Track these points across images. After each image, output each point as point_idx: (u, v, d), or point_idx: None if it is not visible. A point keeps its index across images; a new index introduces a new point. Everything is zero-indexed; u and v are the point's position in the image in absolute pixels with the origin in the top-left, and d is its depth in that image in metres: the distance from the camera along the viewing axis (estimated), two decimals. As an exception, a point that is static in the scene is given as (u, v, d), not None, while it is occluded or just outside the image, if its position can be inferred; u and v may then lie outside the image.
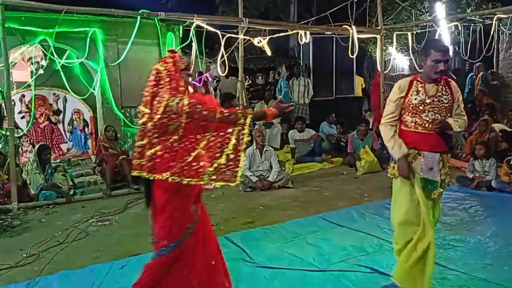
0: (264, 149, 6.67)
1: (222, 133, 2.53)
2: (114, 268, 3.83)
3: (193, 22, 6.89)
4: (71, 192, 6.30)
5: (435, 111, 2.98)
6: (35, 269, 3.85)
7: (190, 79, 2.81)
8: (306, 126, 8.76)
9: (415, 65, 9.19)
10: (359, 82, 12.92)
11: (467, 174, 6.45)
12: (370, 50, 12.33)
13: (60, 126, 7.68)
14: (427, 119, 2.98)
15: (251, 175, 6.42)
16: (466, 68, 11.13)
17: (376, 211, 5.29)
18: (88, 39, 6.71)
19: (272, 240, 4.43)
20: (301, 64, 11.33)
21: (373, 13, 9.76)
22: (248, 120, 2.52)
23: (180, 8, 7.44)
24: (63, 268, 3.84)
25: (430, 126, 2.97)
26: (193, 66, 7.13)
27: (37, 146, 6.35)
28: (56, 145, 7.62)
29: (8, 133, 5.74)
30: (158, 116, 2.51)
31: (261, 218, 5.15)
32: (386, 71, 10.02)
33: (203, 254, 2.74)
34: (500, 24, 9.21)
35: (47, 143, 7.17)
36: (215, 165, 2.50)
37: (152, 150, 2.54)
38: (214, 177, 2.49)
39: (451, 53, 3.16)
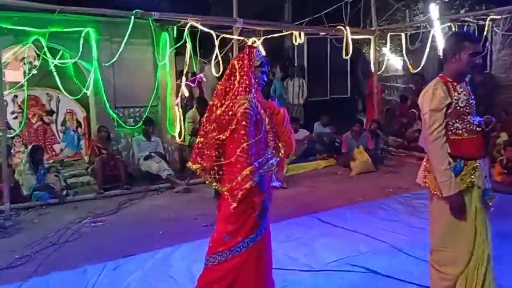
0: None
1: (240, 162, 2.54)
2: (107, 269, 3.81)
3: (187, 23, 6.87)
4: (64, 192, 6.25)
5: (474, 112, 2.71)
6: (27, 270, 3.83)
7: (264, 76, 2.80)
8: (300, 126, 8.76)
9: (408, 66, 9.22)
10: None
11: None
12: (364, 50, 12.35)
13: (53, 126, 7.61)
14: (471, 121, 2.67)
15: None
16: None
17: (370, 211, 5.31)
18: (82, 39, 6.67)
19: (266, 240, 4.42)
20: (296, 65, 11.34)
21: (367, 13, 9.79)
22: (254, 179, 2.51)
23: (174, 8, 7.42)
24: (56, 269, 3.81)
25: (476, 129, 2.66)
26: (187, 66, 7.13)
27: (29, 147, 6.30)
28: (49, 146, 7.56)
29: (0, 134, 5.70)
30: (219, 111, 2.60)
31: (255, 218, 5.13)
32: (380, 72, 10.04)
33: (270, 245, 2.82)
34: (493, 25, 9.26)
35: (40, 143, 7.12)
36: (227, 186, 2.57)
37: (198, 140, 2.68)
38: (227, 192, 2.56)
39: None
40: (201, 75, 8.25)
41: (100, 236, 4.74)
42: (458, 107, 2.63)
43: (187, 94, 7.58)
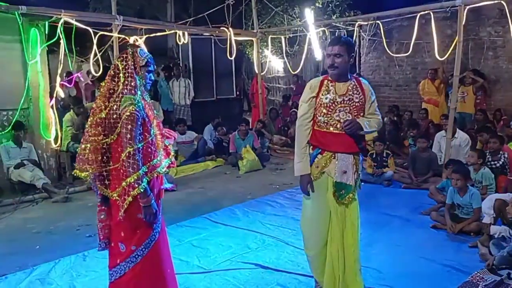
0: (145, 152, 6.43)
1: (125, 167, 2.42)
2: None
3: (60, 18, 6.36)
4: None
5: (346, 111, 2.88)
6: None
7: (151, 76, 2.69)
8: (188, 127, 8.69)
9: (289, 68, 9.71)
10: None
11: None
12: (247, 52, 12.71)
13: None
14: (338, 118, 2.88)
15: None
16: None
17: (258, 208, 5.47)
18: None
19: (156, 245, 4.29)
20: (181, 65, 11.21)
21: (248, 16, 10.08)
22: (142, 185, 2.41)
23: (47, 1, 6.79)
24: None
25: (338, 126, 2.89)
26: (61, 65, 6.60)
27: None
28: None
29: None
30: (103, 114, 2.48)
31: (144, 224, 4.96)
32: (263, 73, 10.42)
33: (168, 248, 2.78)
34: (361, 31, 10.20)
35: None
36: (117, 192, 2.47)
37: (83, 146, 2.51)
38: (118, 198, 2.48)
39: (339, 49, 2.89)
40: (78, 74, 7.69)
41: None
42: (321, 103, 2.91)
43: (62, 95, 7.01)
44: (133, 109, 2.42)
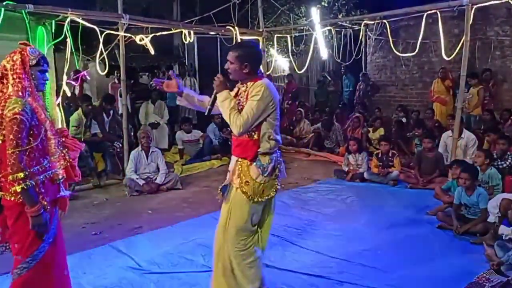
0: (150, 151, 6.45)
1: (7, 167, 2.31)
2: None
3: (67, 17, 6.38)
4: None
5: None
6: None
7: (45, 76, 2.56)
8: (193, 126, 8.70)
9: (295, 67, 9.69)
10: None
11: (342, 168, 7.00)
12: (253, 51, 12.67)
13: None
14: None
15: (137, 178, 6.15)
16: (341, 70, 12.03)
17: (263, 207, 5.46)
18: None
19: (161, 244, 4.31)
20: (186, 64, 11.23)
21: (254, 15, 10.07)
22: (18, 189, 2.28)
23: (53, 0, 6.81)
24: None
25: None
26: (68, 63, 6.62)
27: None
28: None
29: None
30: None
31: (150, 222, 4.98)
32: (269, 72, 10.41)
33: (60, 266, 2.64)
34: (367, 30, 10.16)
35: None
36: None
37: None
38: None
39: (229, 56, 2.96)
40: (84, 72, 7.72)
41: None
42: None
43: (69, 94, 7.03)
44: (18, 111, 2.29)
